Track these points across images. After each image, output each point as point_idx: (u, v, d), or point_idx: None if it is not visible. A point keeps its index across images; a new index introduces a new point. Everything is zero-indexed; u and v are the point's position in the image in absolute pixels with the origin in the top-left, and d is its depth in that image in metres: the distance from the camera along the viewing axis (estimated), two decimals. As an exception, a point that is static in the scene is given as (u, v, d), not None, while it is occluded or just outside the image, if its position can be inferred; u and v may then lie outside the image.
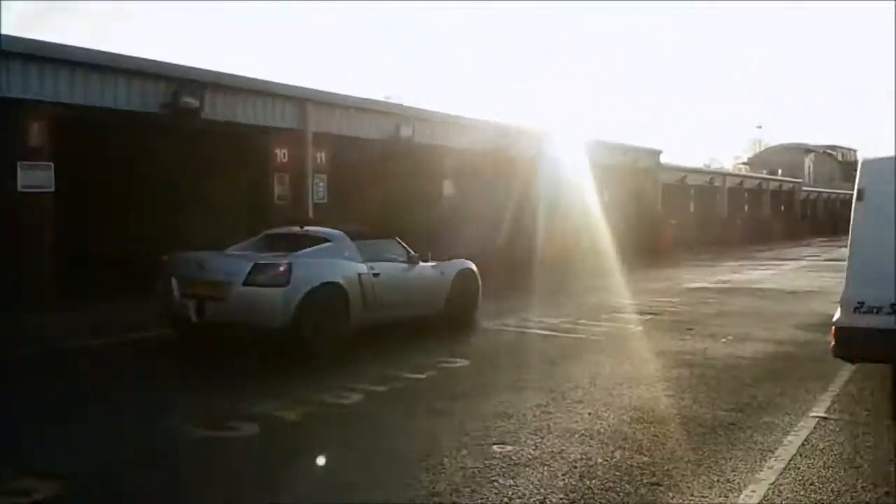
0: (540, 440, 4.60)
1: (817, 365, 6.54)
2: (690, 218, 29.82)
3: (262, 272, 6.92)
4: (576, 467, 4.13)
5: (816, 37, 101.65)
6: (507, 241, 15.71)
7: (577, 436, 4.69)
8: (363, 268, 7.67)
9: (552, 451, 4.39)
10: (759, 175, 42.88)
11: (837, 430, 4.83)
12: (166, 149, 11.93)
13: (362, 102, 15.39)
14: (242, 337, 7.15)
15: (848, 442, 4.58)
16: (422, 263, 8.60)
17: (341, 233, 8.04)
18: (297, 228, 8.50)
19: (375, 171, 14.41)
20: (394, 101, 17.81)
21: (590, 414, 5.21)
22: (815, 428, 4.83)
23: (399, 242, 8.66)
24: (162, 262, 7.48)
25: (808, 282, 15.20)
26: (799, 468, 4.11)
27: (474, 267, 9.36)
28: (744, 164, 58.79)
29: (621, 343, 8.25)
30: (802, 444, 4.49)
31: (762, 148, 61.62)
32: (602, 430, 4.83)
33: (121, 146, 11.83)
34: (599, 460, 4.25)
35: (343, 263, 7.59)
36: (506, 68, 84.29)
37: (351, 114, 14.89)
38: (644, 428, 4.90)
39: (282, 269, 6.94)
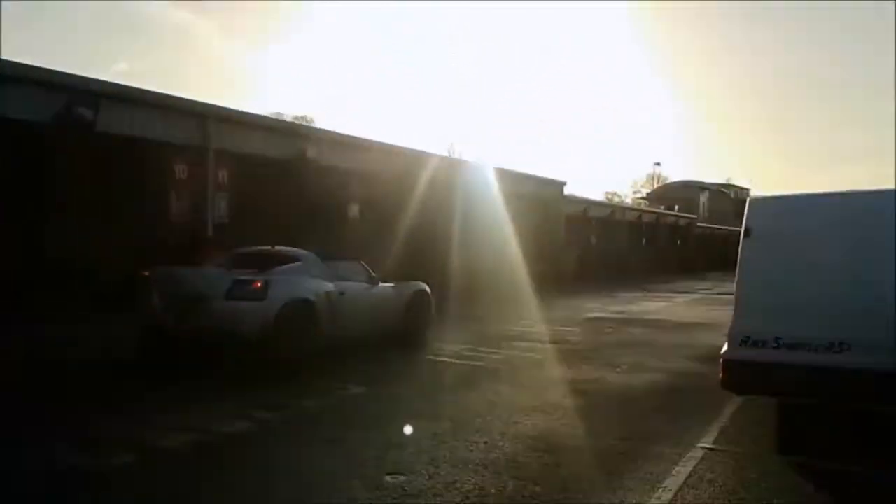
0: (434, 470, 4.53)
1: (707, 396, 6.70)
2: (592, 249, 30.57)
3: (241, 287, 7.41)
4: (468, 498, 4.08)
5: (717, 75, 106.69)
6: (415, 266, 15.64)
7: (471, 465, 4.64)
8: (330, 286, 8.26)
9: (446, 482, 4.32)
10: (657, 210, 44.48)
11: (724, 461, 4.94)
12: (58, 162, 11.30)
13: (267, 121, 15.08)
14: (213, 351, 7.30)
15: (734, 473, 4.68)
16: (381, 284, 9.31)
17: (310, 253, 8.63)
18: (268, 248, 8.83)
19: (279, 191, 14.14)
20: (304, 121, 17.63)
21: (486, 443, 5.17)
22: (702, 459, 4.92)
23: (361, 264, 9.33)
24: (143, 276, 7.73)
25: (700, 314, 15.73)
26: (686, 499, 4.17)
27: (427, 288, 10.20)
28: (643, 198, 61.00)
29: (521, 371, 8.30)
30: (690, 475, 4.56)
31: (661, 183, 64.04)
32: (497, 460, 4.80)
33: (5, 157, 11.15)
34: (492, 490, 4.21)
35: (313, 282, 8.14)
36: (418, 95, 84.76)
37: (255, 132, 14.59)
38: (538, 457, 4.89)
39: (260, 285, 7.45)
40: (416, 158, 18.09)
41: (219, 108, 13.73)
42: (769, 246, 5.47)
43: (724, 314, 7.05)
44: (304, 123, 21.66)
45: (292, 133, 15.65)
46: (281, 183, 14.21)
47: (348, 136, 17.01)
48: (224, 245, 9.21)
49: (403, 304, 9.61)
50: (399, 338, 9.42)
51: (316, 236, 13.63)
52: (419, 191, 17.13)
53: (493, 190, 19.41)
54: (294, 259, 8.43)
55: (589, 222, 31.29)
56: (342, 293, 8.38)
